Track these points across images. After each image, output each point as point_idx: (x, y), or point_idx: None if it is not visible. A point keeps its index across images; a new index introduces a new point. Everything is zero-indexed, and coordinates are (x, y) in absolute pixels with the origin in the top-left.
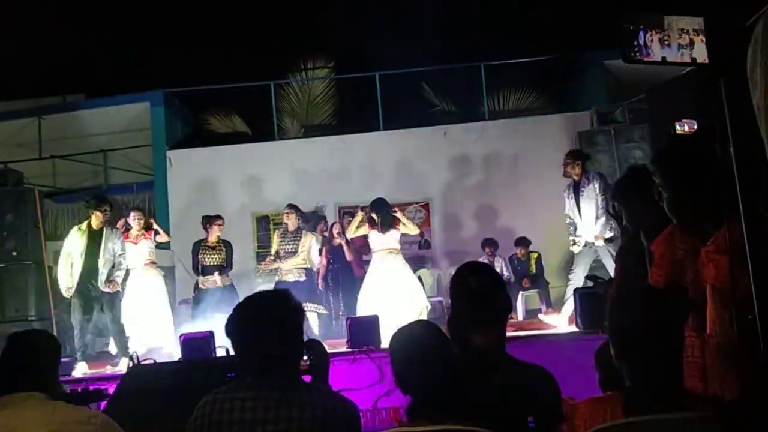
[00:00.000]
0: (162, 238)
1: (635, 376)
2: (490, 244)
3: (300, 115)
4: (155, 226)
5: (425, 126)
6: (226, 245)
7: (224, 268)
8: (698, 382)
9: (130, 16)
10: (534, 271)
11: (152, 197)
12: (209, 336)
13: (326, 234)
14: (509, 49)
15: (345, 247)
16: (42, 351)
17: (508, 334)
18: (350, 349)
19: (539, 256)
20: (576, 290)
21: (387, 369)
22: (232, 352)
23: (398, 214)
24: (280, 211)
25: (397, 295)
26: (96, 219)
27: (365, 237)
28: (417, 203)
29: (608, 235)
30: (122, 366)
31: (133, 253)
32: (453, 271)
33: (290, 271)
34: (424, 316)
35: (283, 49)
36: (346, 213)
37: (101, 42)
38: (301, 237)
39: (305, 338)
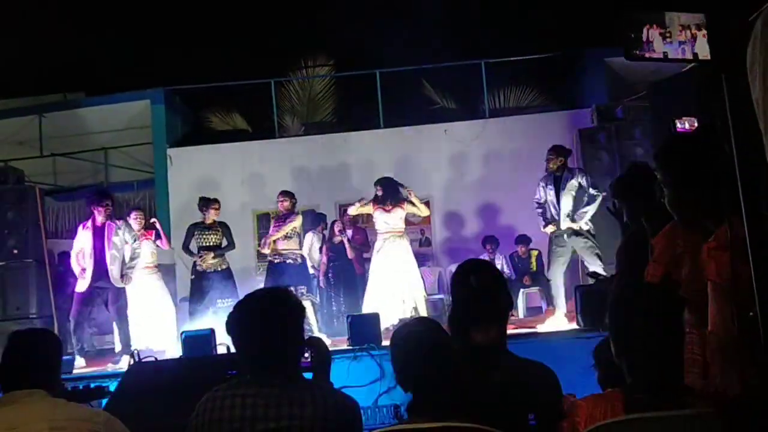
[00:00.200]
0: (163, 244)
1: (635, 374)
2: (490, 241)
3: (300, 113)
4: (158, 226)
5: (426, 123)
6: (222, 225)
7: (220, 248)
8: (699, 379)
9: (131, 14)
10: (535, 268)
11: (153, 195)
12: (210, 333)
13: (325, 232)
14: (510, 47)
15: (347, 245)
16: (44, 349)
17: (509, 331)
18: (351, 347)
19: (540, 253)
20: (577, 287)
21: (388, 366)
22: (233, 350)
23: (410, 195)
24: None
25: (398, 279)
26: (98, 215)
27: (365, 235)
28: None
29: (585, 227)
30: (123, 363)
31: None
32: (454, 268)
33: (285, 253)
34: (422, 308)
35: (284, 47)
36: (346, 210)
37: (102, 40)
38: (290, 220)
39: (306, 335)
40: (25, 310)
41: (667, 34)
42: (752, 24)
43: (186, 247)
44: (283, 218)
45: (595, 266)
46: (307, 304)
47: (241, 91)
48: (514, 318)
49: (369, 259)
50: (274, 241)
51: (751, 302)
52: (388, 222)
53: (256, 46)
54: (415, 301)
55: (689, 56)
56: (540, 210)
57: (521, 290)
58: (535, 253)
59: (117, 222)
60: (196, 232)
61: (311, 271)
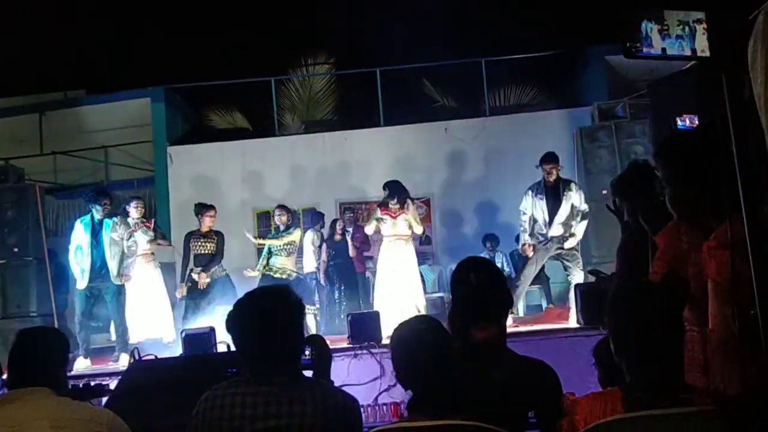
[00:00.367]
0: (163, 244)
1: (635, 372)
2: (491, 239)
3: (300, 111)
4: (158, 236)
5: (426, 122)
6: (217, 234)
7: (215, 257)
8: (699, 377)
9: (131, 12)
10: None
11: (153, 193)
12: (210, 332)
13: (323, 231)
14: (510, 45)
15: (349, 243)
16: (51, 348)
17: (509, 329)
18: (351, 345)
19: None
20: (577, 286)
21: (388, 364)
22: (233, 348)
23: (412, 210)
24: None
25: (402, 291)
26: (96, 213)
27: (366, 234)
28: (418, 199)
29: (572, 243)
30: (123, 361)
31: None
32: (454, 266)
33: (282, 270)
34: (422, 309)
35: (284, 45)
36: (347, 209)
37: (102, 38)
38: (289, 232)
39: (306, 334)
40: (26, 308)
41: (665, 29)
42: (752, 23)
43: (186, 260)
44: (283, 231)
45: (578, 272)
46: (309, 317)
47: (241, 89)
48: (514, 316)
49: (369, 258)
50: (268, 260)
51: (752, 301)
52: (395, 226)
53: (256, 44)
54: (416, 304)
55: (688, 52)
56: (525, 220)
57: None
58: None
59: (114, 218)
60: (192, 240)
61: (312, 269)
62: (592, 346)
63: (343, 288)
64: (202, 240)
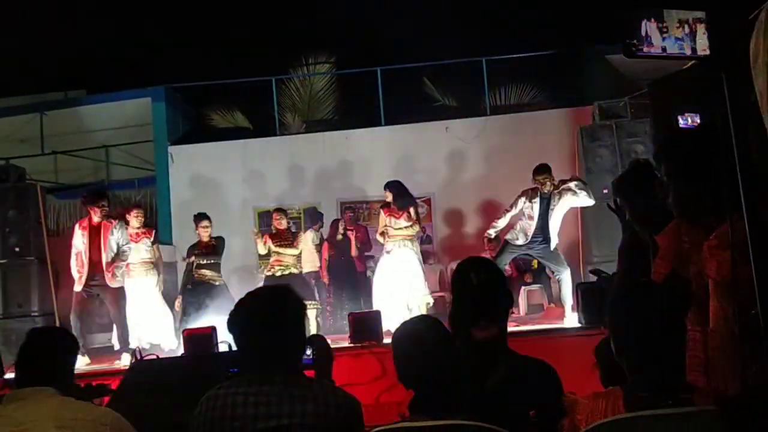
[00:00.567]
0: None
1: (636, 372)
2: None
3: (301, 111)
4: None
5: (427, 121)
6: (217, 240)
7: (218, 266)
8: (700, 377)
9: (132, 12)
10: (536, 266)
11: (154, 193)
12: (211, 331)
13: (322, 231)
14: (511, 44)
15: (352, 242)
16: (59, 348)
17: (510, 329)
18: (353, 344)
19: None
20: (578, 285)
21: (389, 364)
22: (234, 348)
23: (412, 210)
24: (282, 207)
25: (403, 291)
26: (95, 215)
27: (366, 233)
28: (419, 198)
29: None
30: (125, 361)
31: (132, 251)
32: (455, 266)
33: (285, 267)
34: (423, 310)
35: (285, 45)
36: (348, 208)
37: (103, 38)
38: (296, 236)
39: (307, 333)
40: (27, 307)
41: (665, 29)
42: (752, 22)
43: (187, 272)
44: (285, 237)
45: (564, 269)
46: (311, 312)
47: (242, 88)
48: (515, 315)
49: (370, 257)
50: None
51: (752, 300)
52: (398, 226)
53: (257, 43)
54: (417, 304)
55: (688, 52)
56: (502, 216)
57: (522, 288)
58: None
59: (113, 222)
60: (194, 254)
61: (314, 268)
62: (594, 346)
63: (344, 287)
64: (204, 253)
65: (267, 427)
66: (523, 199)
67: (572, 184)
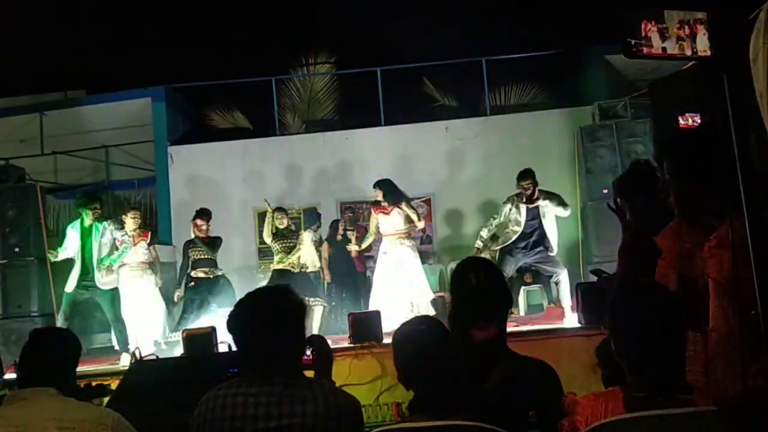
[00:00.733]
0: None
1: (635, 372)
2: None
3: (301, 111)
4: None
5: (427, 121)
6: (214, 239)
7: (214, 262)
8: (700, 377)
9: (131, 12)
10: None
11: (154, 193)
12: (211, 332)
13: (320, 231)
14: (511, 44)
15: (353, 242)
16: (62, 349)
17: (510, 329)
18: (352, 344)
19: None
20: (578, 285)
21: (389, 364)
22: (234, 348)
23: (404, 205)
24: (282, 206)
25: (403, 282)
26: (87, 217)
27: (366, 233)
28: (419, 198)
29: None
30: (124, 361)
31: (130, 253)
32: (454, 266)
33: (293, 265)
34: (424, 309)
35: (285, 45)
36: (347, 208)
37: (102, 38)
38: (297, 235)
39: (307, 333)
40: (27, 307)
41: (665, 30)
42: (752, 22)
43: (184, 266)
44: (287, 236)
45: (559, 270)
46: (318, 309)
47: (242, 88)
48: (515, 316)
49: (370, 257)
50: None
51: (752, 301)
52: (390, 223)
53: (257, 43)
54: (418, 303)
55: (688, 52)
56: (489, 225)
57: (522, 288)
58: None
59: (105, 224)
60: (190, 247)
61: (314, 269)
62: (593, 346)
63: (343, 287)
64: (199, 246)
65: (267, 427)
66: (508, 206)
67: (553, 195)
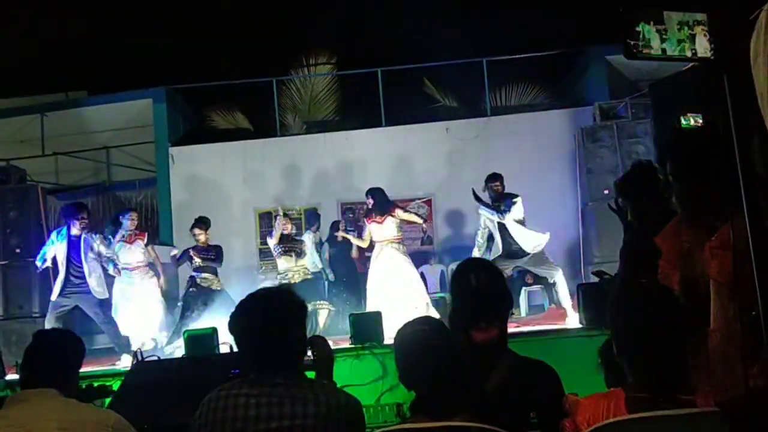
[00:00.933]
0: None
1: (636, 373)
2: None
3: (302, 111)
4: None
5: (427, 122)
6: (215, 248)
7: (215, 270)
8: (701, 378)
9: (132, 13)
10: None
11: (154, 194)
12: (213, 332)
13: (319, 232)
14: (511, 45)
15: (353, 243)
16: (64, 350)
17: (511, 329)
18: (353, 345)
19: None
20: (579, 286)
21: (390, 364)
22: (235, 349)
23: (399, 211)
24: (283, 208)
25: (396, 288)
26: (74, 227)
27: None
28: (419, 199)
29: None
30: (124, 362)
31: (127, 253)
32: (455, 266)
33: (296, 272)
34: (422, 313)
35: (285, 46)
36: (348, 209)
37: (103, 39)
38: (303, 240)
39: (308, 334)
40: (28, 308)
41: (665, 32)
42: (752, 23)
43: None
44: (292, 243)
45: (554, 271)
46: (323, 312)
47: (242, 89)
48: (516, 316)
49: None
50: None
51: (754, 301)
52: (382, 232)
53: (257, 44)
54: (414, 305)
55: (688, 54)
56: (479, 233)
57: (523, 288)
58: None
59: (93, 235)
60: (191, 253)
61: (315, 270)
62: (597, 347)
63: (344, 288)
64: (201, 253)
65: (268, 428)
66: (486, 210)
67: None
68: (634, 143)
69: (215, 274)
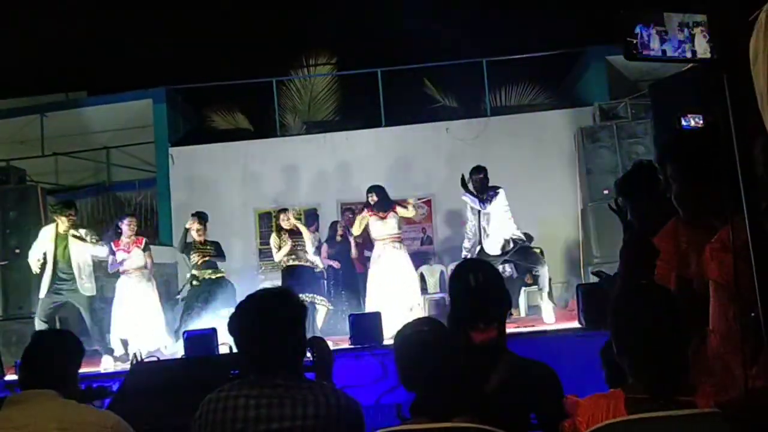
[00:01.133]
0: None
1: (636, 373)
2: None
3: (302, 112)
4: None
5: (427, 122)
6: (213, 244)
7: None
8: (701, 378)
9: (132, 13)
10: None
11: (154, 194)
12: (212, 333)
13: (317, 233)
14: (511, 45)
15: (352, 244)
16: (63, 351)
17: (510, 330)
18: (353, 346)
19: (541, 251)
20: (579, 286)
21: (390, 365)
22: (235, 350)
23: (400, 209)
24: (282, 207)
25: (396, 287)
26: (62, 224)
27: (367, 234)
28: (419, 199)
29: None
30: (105, 364)
31: (125, 258)
32: (453, 267)
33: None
34: (416, 313)
35: (285, 46)
36: (347, 209)
37: (103, 39)
38: (302, 233)
39: (310, 333)
40: (27, 309)
41: (665, 33)
42: (752, 24)
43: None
44: (292, 235)
45: (539, 266)
46: (322, 309)
47: (242, 90)
48: (516, 317)
49: (371, 258)
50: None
51: (753, 302)
52: (385, 228)
53: (257, 44)
54: (410, 306)
55: (688, 55)
56: (469, 229)
57: (523, 289)
58: (537, 251)
59: (81, 231)
60: (191, 250)
61: (318, 269)
62: (597, 347)
63: (343, 289)
64: (198, 249)
65: (268, 429)
66: (465, 196)
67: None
68: (634, 143)
69: (215, 268)
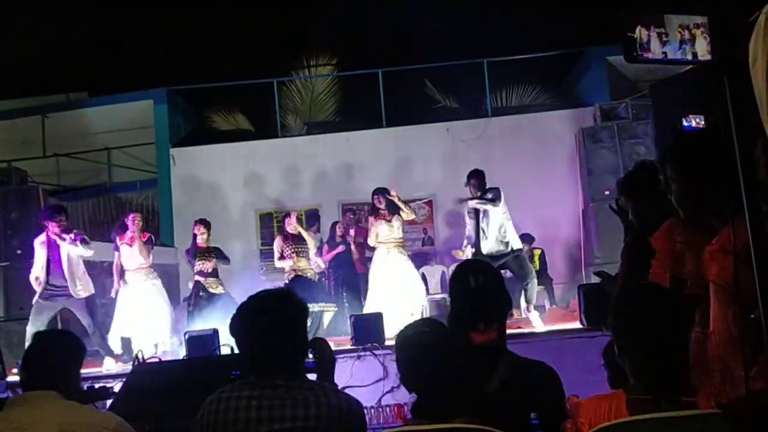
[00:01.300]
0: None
1: (637, 374)
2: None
3: (303, 112)
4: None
5: (428, 123)
6: (215, 250)
7: (216, 272)
8: (702, 379)
9: (132, 13)
10: (538, 267)
11: (155, 195)
12: (213, 334)
13: (319, 234)
14: (512, 46)
15: (353, 245)
16: (64, 352)
17: (511, 331)
18: (354, 346)
19: (543, 252)
20: (580, 286)
21: (391, 366)
22: (236, 350)
23: (395, 199)
24: (284, 209)
25: (399, 290)
26: (52, 228)
27: (367, 234)
28: (420, 200)
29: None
30: (107, 365)
31: (128, 255)
32: (454, 268)
33: (309, 269)
34: (418, 317)
35: (286, 47)
36: (348, 210)
37: (104, 40)
38: (305, 239)
39: (309, 336)
40: (29, 310)
41: (665, 35)
42: (752, 24)
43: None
44: (296, 239)
45: (530, 278)
46: (329, 314)
47: (243, 90)
48: (516, 317)
49: (371, 259)
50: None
51: (753, 303)
52: (391, 232)
53: (258, 45)
54: (411, 309)
55: (689, 56)
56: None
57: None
58: (537, 252)
59: (70, 235)
60: (196, 256)
61: (320, 269)
62: (598, 347)
63: (344, 289)
64: (202, 255)
65: (270, 430)
66: (471, 202)
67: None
68: (635, 144)
69: (216, 276)
